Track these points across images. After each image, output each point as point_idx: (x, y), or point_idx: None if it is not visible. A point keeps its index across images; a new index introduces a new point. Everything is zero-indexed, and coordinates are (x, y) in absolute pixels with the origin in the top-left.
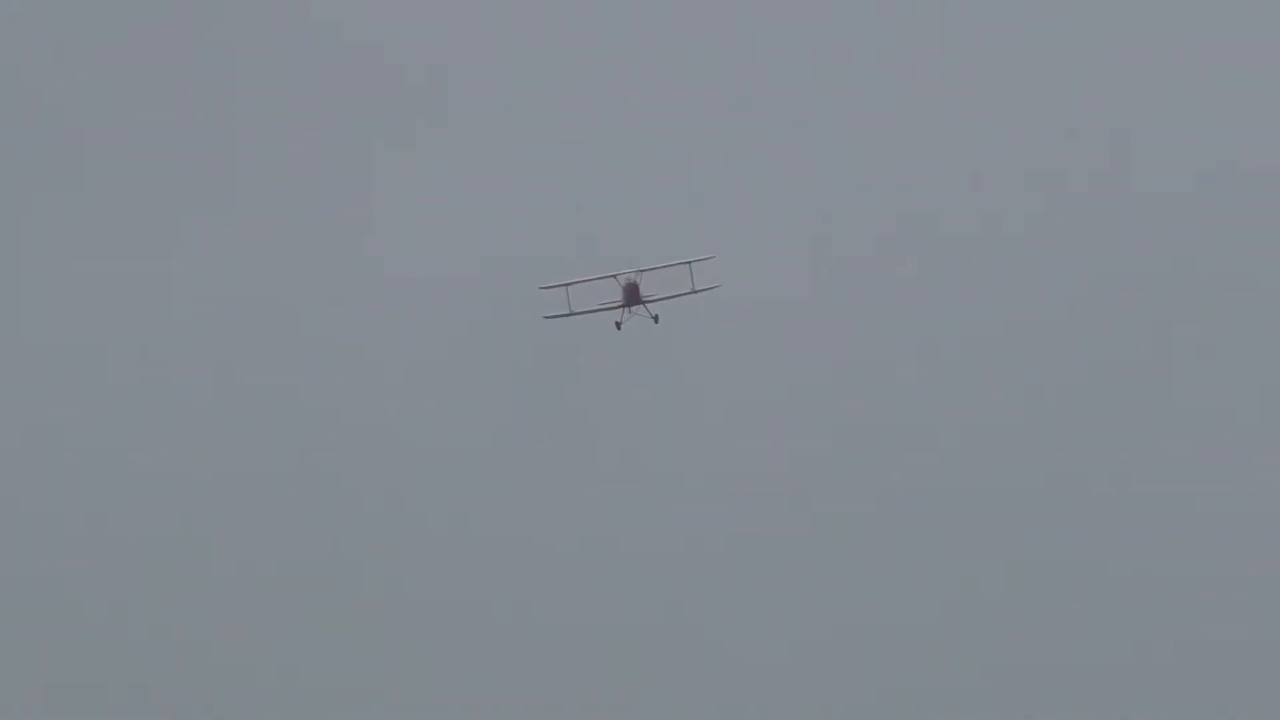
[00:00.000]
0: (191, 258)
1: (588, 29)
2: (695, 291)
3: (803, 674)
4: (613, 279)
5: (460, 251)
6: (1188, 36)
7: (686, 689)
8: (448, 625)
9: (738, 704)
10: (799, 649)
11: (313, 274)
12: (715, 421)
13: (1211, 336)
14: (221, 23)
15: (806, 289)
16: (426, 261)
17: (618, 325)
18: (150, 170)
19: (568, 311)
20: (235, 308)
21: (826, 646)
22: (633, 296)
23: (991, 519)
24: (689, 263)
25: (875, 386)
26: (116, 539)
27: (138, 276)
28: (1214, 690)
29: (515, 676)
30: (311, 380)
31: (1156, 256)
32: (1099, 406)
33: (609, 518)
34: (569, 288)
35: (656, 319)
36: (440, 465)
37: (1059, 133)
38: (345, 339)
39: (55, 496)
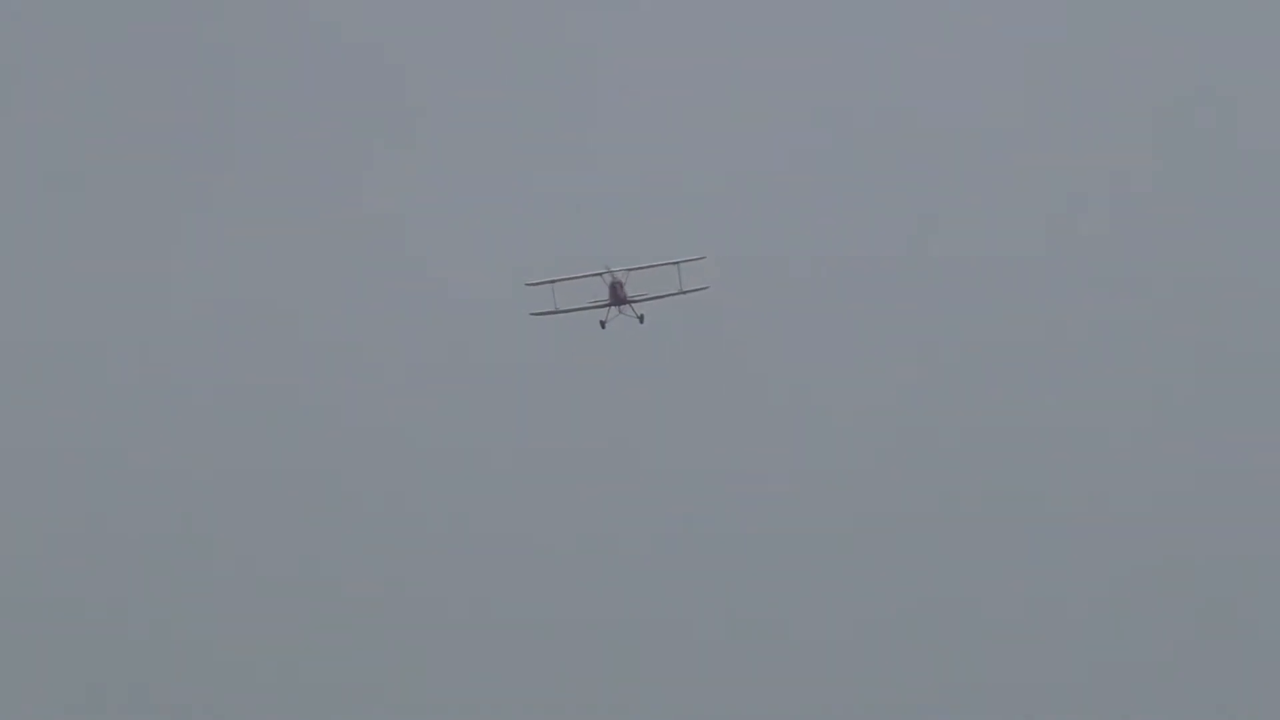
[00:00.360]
0: (190, 258)
1: (583, 28)
2: (683, 292)
3: (792, 675)
4: (599, 277)
5: (457, 250)
6: (1194, 36)
7: (679, 690)
8: (445, 625)
9: (733, 705)
10: (790, 650)
11: (309, 273)
12: (700, 424)
13: (1239, 337)
14: (221, 22)
15: (797, 291)
16: (424, 260)
17: (602, 324)
18: (149, 170)
19: (554, 309)
20: (233, 308)
21: (818, 648)
22: (617, 295)
23: (985, 522)
24: (677, 263)
25: (866, 391)
26: (115, 539)
27: (136, 277)
28: (1214, 690)
29: (514, 676)
30: (305, 379)
31: (1166, 259)
32: (1098, 410)
33: (599, 517)
34: (555, 285)
35: (641, 319)
36: (437, 464)
37: (1058, 134)
38: (341, 338)
39: (54, 496)
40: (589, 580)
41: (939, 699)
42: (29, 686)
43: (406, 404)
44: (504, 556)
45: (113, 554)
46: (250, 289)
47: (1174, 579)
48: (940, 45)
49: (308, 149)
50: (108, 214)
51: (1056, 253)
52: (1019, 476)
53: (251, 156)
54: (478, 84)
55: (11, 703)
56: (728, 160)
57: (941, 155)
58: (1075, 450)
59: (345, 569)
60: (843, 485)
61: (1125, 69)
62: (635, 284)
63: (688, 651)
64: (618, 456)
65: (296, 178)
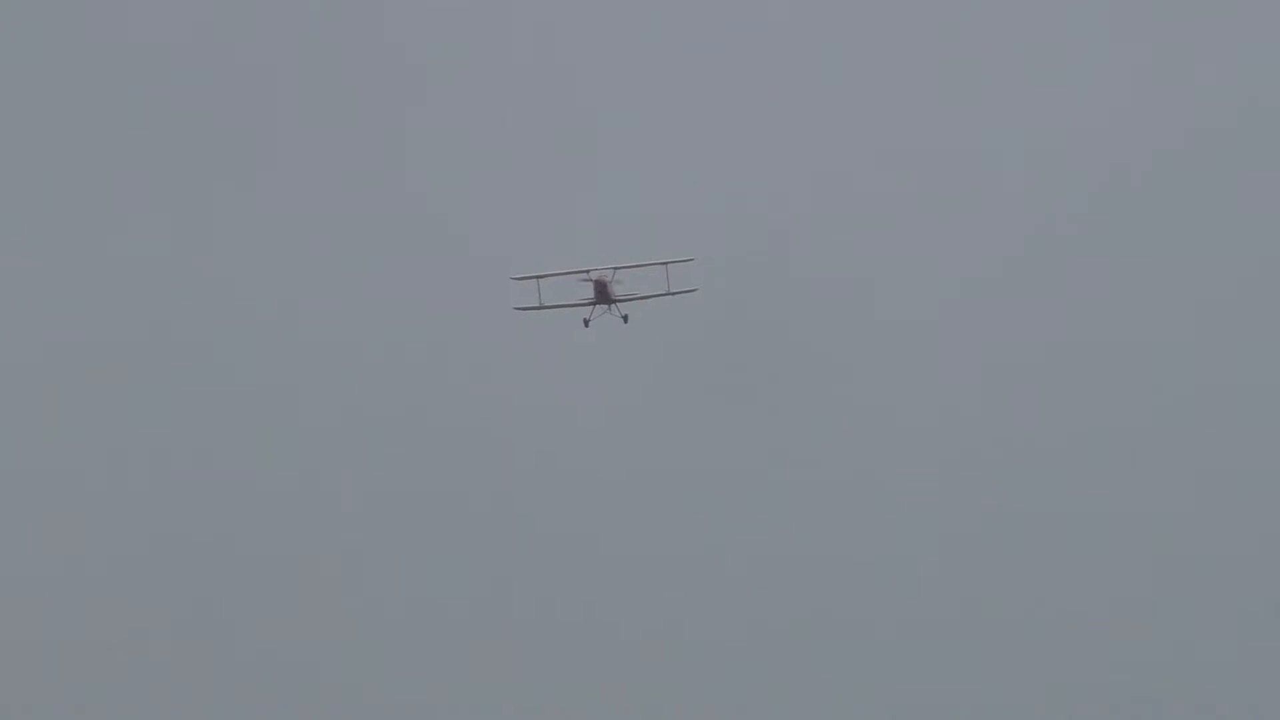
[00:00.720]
0: (185, 257)
1: (579, 30)
2: (671, 293)
3: (782, 677)
4: (585, 274)
5: (452, 247)
6: (1195, 36)
7: (666, 689)
8: (443, 623)
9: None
10: (782, 652)
11: (305, 271)
12: (689, 424)
13: None
14: (219, 22)
15: (786, 293)
16: (418, 257)
17: (585, 322)
18: (147, 171)
19: (538, 304)
20: (229, 306)
21: (811, 648)
22: (601, 294)
23: (981, 523)
24: (665, 264)
25: (859, 392)
26: (113, 537)
27: (130, 277)
28: (1214, 689)
29: (507, 676)
30: (297, 376)
31: (1166, 258)
32: (1098, 411)
33: (587, 517)
34: (540, 280)
35: (626, 319)
36: (434, 461)
37: (1057, 135)
38: (335, 336)
39: (51, 495)
40: (583, 579)
41: (941, 700)
42: (29, 687)
43: (400, 401)
44: (494, 554)
45: (111, 553)
46: (245, 287)
47: (1174, 579)
48: (937, 47)
49: (305, 146)
50: (104, 215)
51: (1055, 253)
52: (1015, 478)
53: (248, 155)
54: (475, 84)
55: (12, 703)
56: (720, 161)
57: (937, 156)
58: (1076, 450)
59: (334, 565)
60: (836, 486)
61: (1125, 67)
62: (624, 283)
63: (676, 651)
64: (607, 456)
65: (292, 176)
